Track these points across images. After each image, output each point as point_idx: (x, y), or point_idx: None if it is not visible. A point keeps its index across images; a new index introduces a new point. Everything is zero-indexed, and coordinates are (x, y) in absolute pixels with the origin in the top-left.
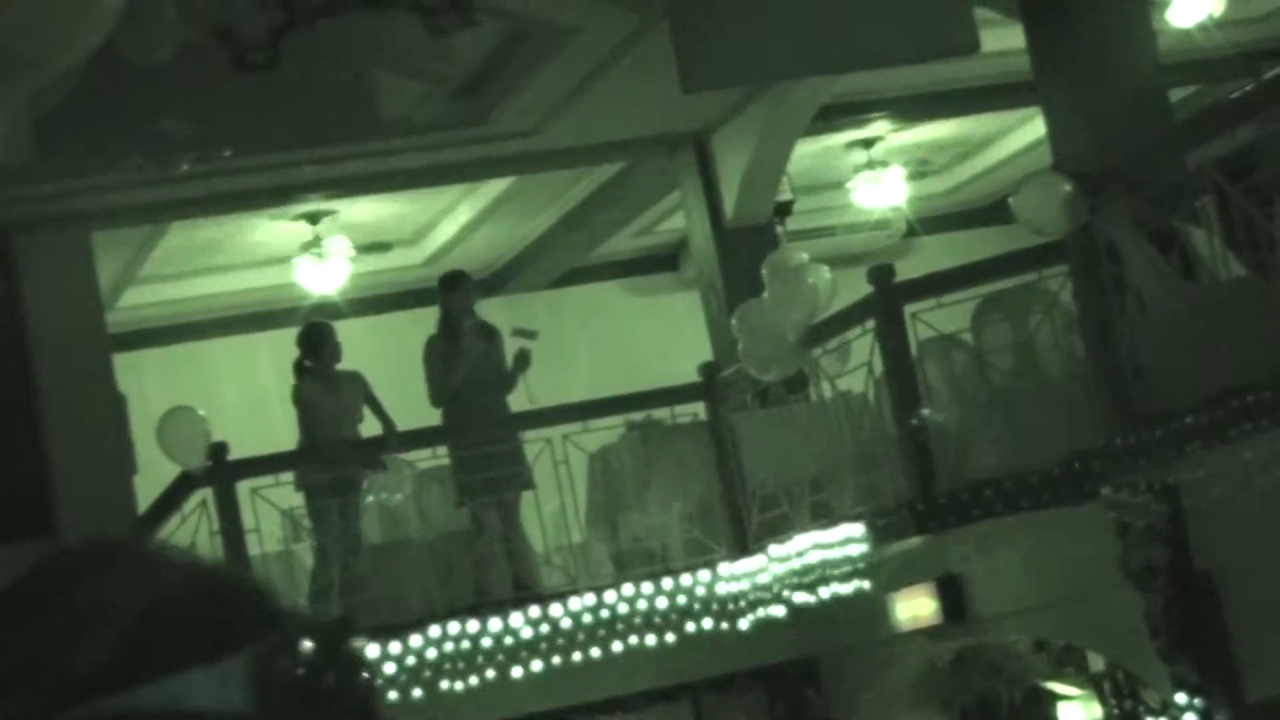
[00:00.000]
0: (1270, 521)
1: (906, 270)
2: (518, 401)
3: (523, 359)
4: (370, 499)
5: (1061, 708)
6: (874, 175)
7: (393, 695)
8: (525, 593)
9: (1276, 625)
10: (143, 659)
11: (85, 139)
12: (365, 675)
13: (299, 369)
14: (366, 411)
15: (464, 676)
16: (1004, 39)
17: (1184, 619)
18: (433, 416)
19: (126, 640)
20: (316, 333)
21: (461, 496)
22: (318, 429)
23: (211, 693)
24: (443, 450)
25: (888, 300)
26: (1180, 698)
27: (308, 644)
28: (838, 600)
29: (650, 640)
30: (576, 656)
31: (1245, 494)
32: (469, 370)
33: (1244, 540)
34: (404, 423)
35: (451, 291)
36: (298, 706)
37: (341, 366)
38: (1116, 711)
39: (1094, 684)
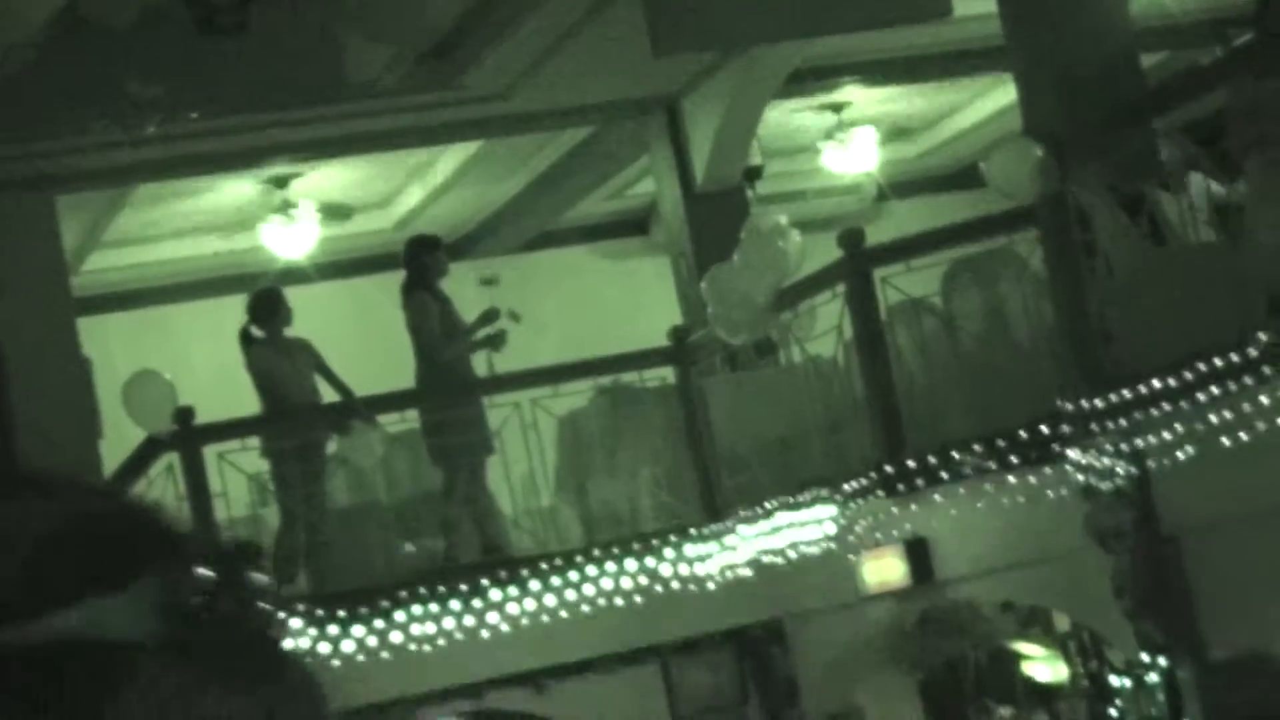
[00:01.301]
0: (1235, 484)
1: (876, 235)
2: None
3: (499, 338)
4: (334, 463)
5: (1027, 667)
6: (844, 140)
7: (360, 659)
8: (494, 556)
9: (1240, 586)
10: (46, 587)
11: (49, 102)
12: (263, 604)
13: (246, 338)
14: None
15: (432, 640)
16: (975, 3)
17: (1149, 580)
18: (400, 380)
19: (28, 569)
20: (269, 299)
21: (435, 458)
22: (281, 395)
23: (118, 620)
24: (410, 414)
25: (857, 264)
26: (1145, 657)
27: (205, 571)
28: (805, 562)
29: (619, 603)
30: (545, 619)
31: (1211, 457)
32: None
33: (1209, 503)
34: (372, 387)
35: (433, 252)
36: (196, 634)
37: (290, 334)
38: (1082, 671)
39: (1060, 644)
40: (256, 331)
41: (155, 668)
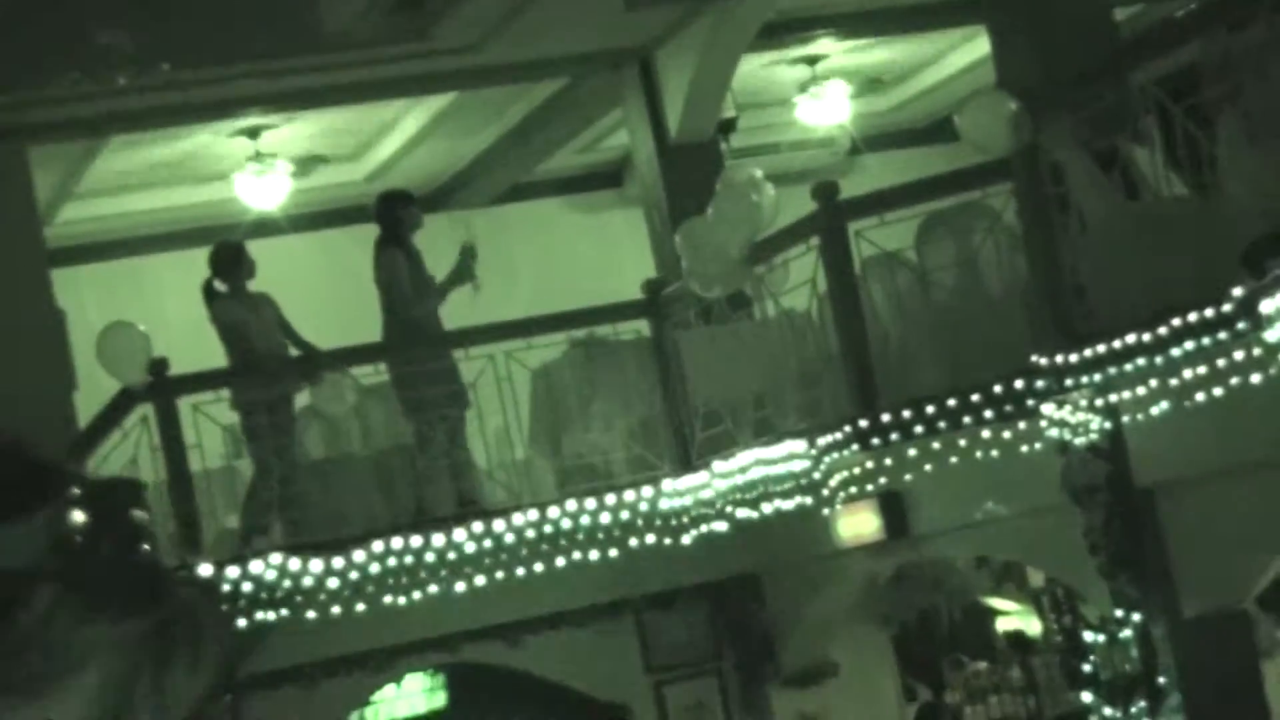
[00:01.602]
0: (1210, 439)
1: (850, 188)
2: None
3: (464, 270)
4: (308, 415)
5: (1001, 623)
6: (818, 93)
7: (335, 610)
8: (469, 508)
9: (1214, 542)
10: None
11: (21, 52)
12: (144, 545)
13: (210, 292)
14: None
15: (406, 591)
16: None
17: (1123, 536)
18: (373, 333)
19: None
20: (232, 252)
21: (407, 412)
22: (247, 347)
23: (11, 552)
24: (384, 366)
25: (831, 218)
26: (1119, 613)
27: (86, 509)
28: (780, 516)
29: (593, 556)
30: (519, 572)
31: (1185, 412)
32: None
33: (1184, 458)
34: (343, 338)
35: (406, 207)
36: (85, 565)
37: (253, 288)
38: (1055, 627)
39: (1033, 600)
40: (220, 285)
41: (48, 595)
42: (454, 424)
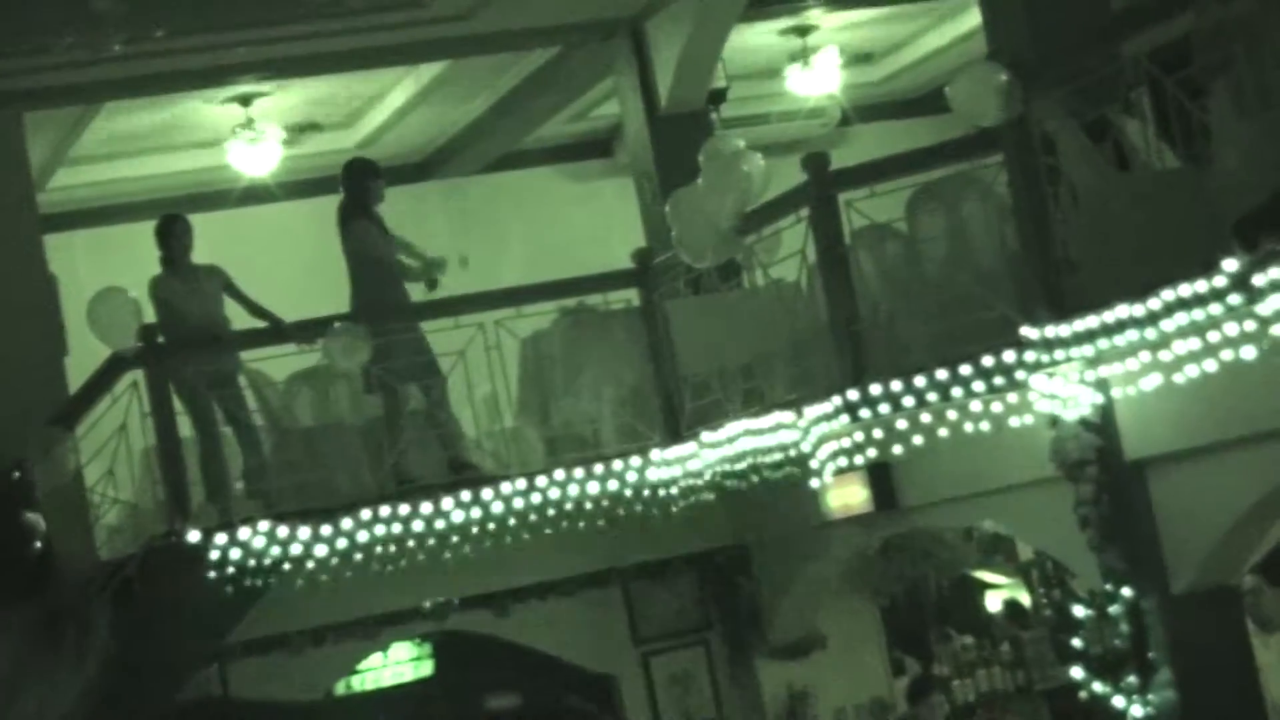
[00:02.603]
0: (1201, 413)
1: (841, 158)
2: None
3: (435, 282)
4: (293, 382)
5: (990, 596)
6: (808, 63)
7: (323, 577)
8: (458, 476)
9: (1203, 517)
10: None
11: (15, 19)
12: (35, 543)
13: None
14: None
15: (395, 560)
16: None
17: (1113, 510)
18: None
19: None
20: (160, 227)
21: (378, 384)
22: (178, 322)
23: None
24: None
25: (821, 188)
26: (1108, 587)
27: None
28: (769, 487)
29: (581, 525)
30: (507, 541)
31: (1177, 386)
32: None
33: (1175, 432)
34: (336, 305)
35: (375, 178)
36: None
37: (200, 261)
38: (1044, 600)
39: (1022, 573)
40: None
41: None
42: (435, 393)
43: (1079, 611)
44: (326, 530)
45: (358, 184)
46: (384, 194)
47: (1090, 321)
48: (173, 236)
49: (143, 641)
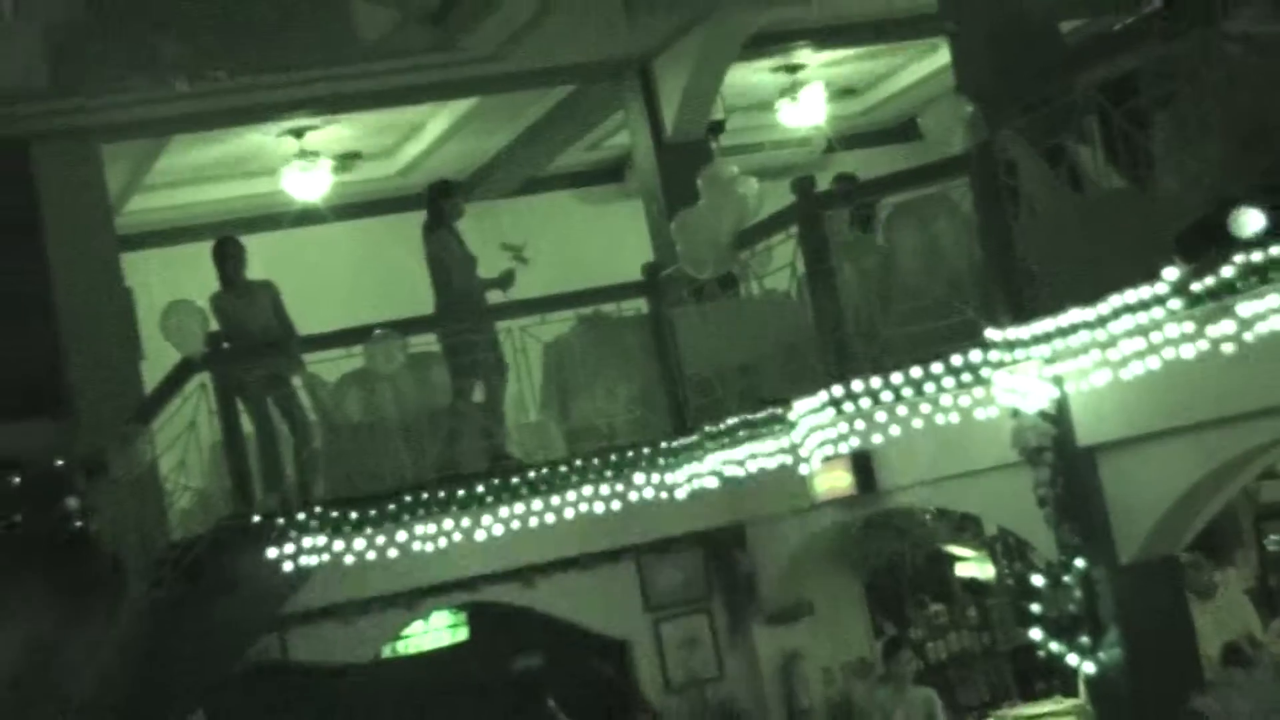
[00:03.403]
0: (1145, 405)
1: (826, 182)
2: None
3: (507, 281)
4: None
5: (959, 567)
6: (797, 97)
7: (370, 556)
8: (496, 465)
9: (1147, 496)
10: None
11: (95, 62)
12: (75, 522)
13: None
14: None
15: (433, 538)
16: None
17: (1067, 490)
18: (398, 308)
19: None
20: (218, 248)
21: (454, 375)
22: (239, 334)
23: None
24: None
25: (809, 208)
26: (1063, 559)
27: (22, 488)
28: (763, 473)
29: (598, 508)
30: (533, 522)
31: (1123, 381)
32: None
33: (1121, 421)
34: (378, 315)
35: (449, 196)
36: (19, 540)
37: (258, 276)
38: (1007, 571)
39: (988, 547)
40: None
41: None
42: (495, 390)
43: (1037, 580)
44: (372, 513)
45: (435, 202)
46: (462, 209)
47: (1047, 324)
48: (227, 257)
49: (210, 611)
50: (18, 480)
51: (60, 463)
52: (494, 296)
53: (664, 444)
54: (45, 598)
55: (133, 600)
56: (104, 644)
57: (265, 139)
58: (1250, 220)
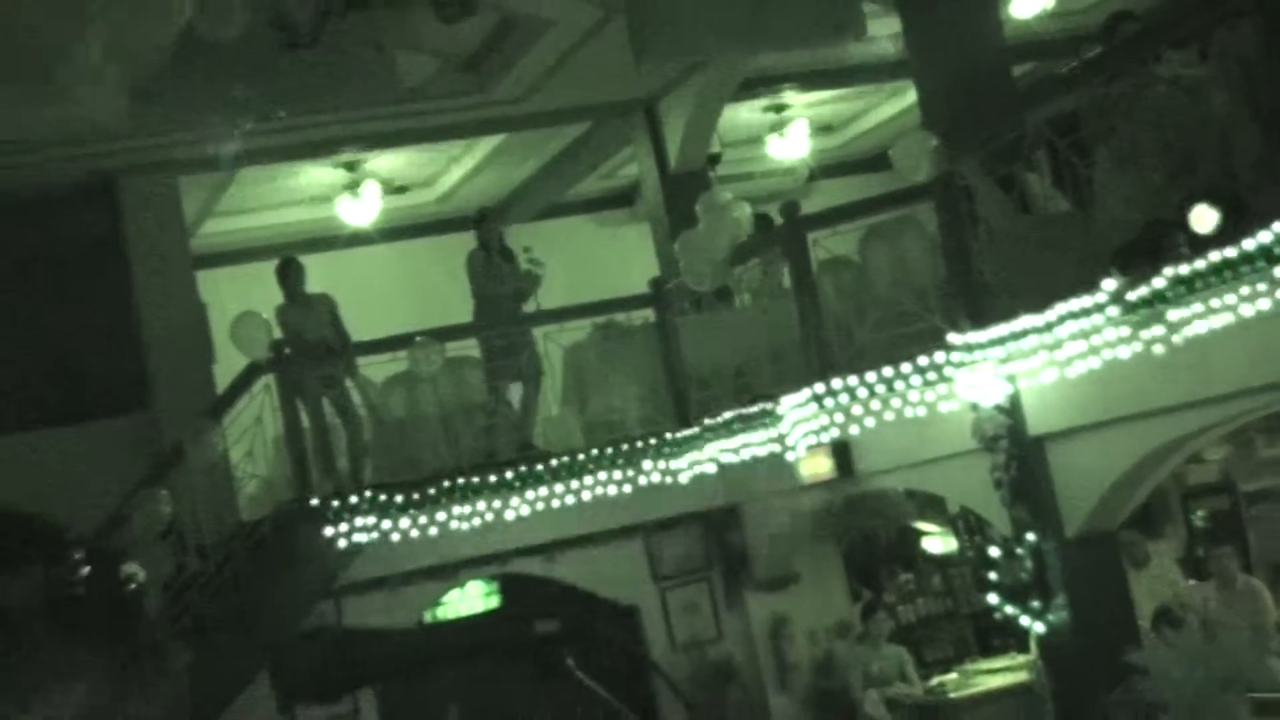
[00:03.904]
0: (1086, 400)
1: (809, 206)
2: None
3: (533, 285)
4: (390, 383)
5: (926, 541)
6: (783, 133)
7: (414, 534)
8: (527, 454)
9: (1089, 479)
10: None
11: (173, 105)
12: (132, 587)
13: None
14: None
15: (469, 519)
16: (884, 26)
17: (1020, 474)
18: (439, 318)
19: None
20: (278, 269)
21: (489, 376)
22: (299, 342)
23: (14, 593)
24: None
25: (794, 229)
26: (1016, 534)
27: (85, 565)
28: (755, 460)
29: (611, 491)
30: (555, 504)
31: (1067, 378)
32: (499, 283)
33: (1066, 414)
34: (422, 323)
35: (479, 223)
36: (78, 608)
37: (315, 290)
38: (968, 544)
39: (951, 523)
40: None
41: (41, 627)
42: (532, 391)
43: (994, 552)
44: (415, 497)
45: (474, 228)
46: (494, 231)
47: (1001, 329)
48: (288, 274)
49: (274, 582)
50: (79, 555)
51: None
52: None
53: (668, 435)
54: (101, 661)
55: (174, 662)
56: (154, 706)
57: (321, 171)
58: (1204, 217)
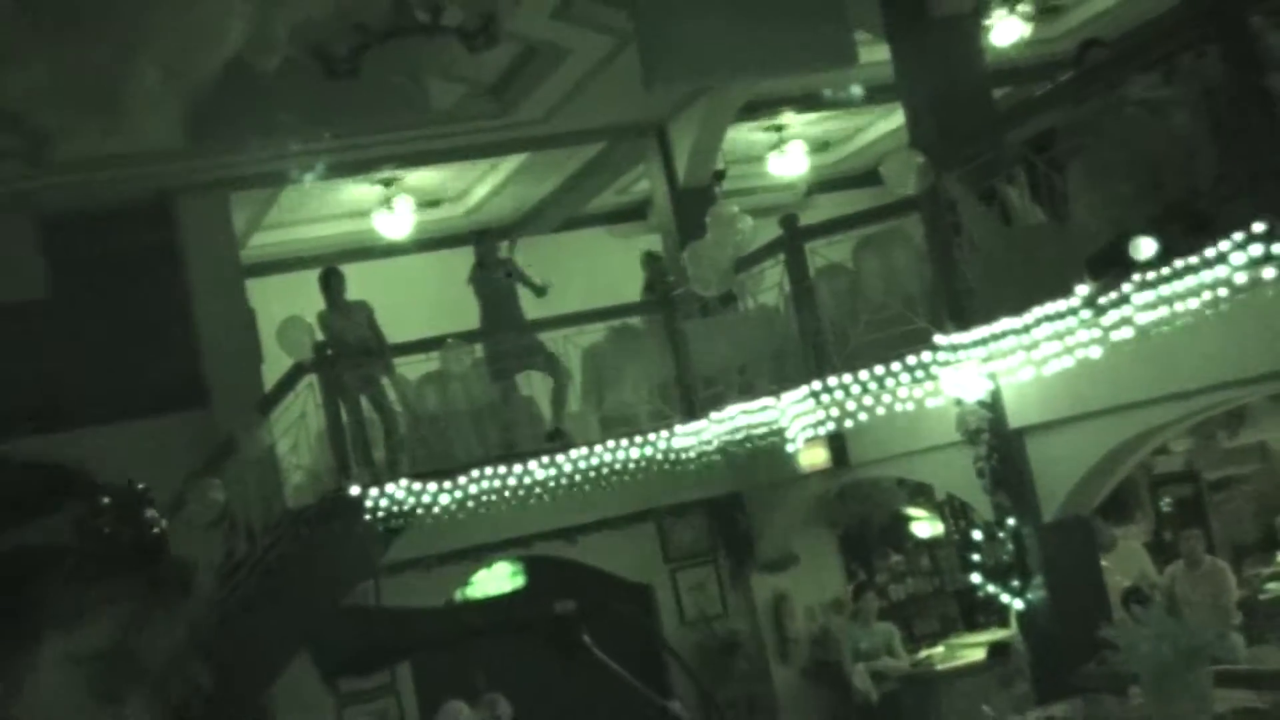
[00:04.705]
0: (1062, 396)
1: (807, 218)
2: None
3: (542, 291)
4: (424, 381)
5: (914, 525)
6: (783, 151)
7: (445, 518)
8: (550, 444)
9: (1064, 468)
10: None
11: (224, 128)
12: (156, 530)
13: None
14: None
15: (495, 505)
16: (875, 54)
17: (1001, 464)
18: (468, 321)
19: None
20: (321, 278)
21: (493, 376)
22: (341, 343)
23: (50, 533)
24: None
25: (793, 240)
26: (997, 518)
27: (111, 505)
28: (757, 451)
29: (626, 479)
30: (575, 490)
31: (1044, 376)
32: (498, 292)
33: (1043, 409)
34: (452, 327)
35: (477, 241)
36: (106, 547)
37: (354, 298)
38: (953, 528)
39: (938, 509)
40: (326, 298)
41: (73, 562)
42: (562, 389)
43: (977, 536)
44: (447, 485)
45: (478, 243)
46: (489, 248)
47: (983, 331)
48: (330, 282)
49: (317, 564)
50: (107, 500)
51: (141, 485)
52: (533, 304)
53: (678, 428)
54: (129, 591)
55: (201, 590)
56: (177, 626)
57: (360, 187)
58: (1145, 246)
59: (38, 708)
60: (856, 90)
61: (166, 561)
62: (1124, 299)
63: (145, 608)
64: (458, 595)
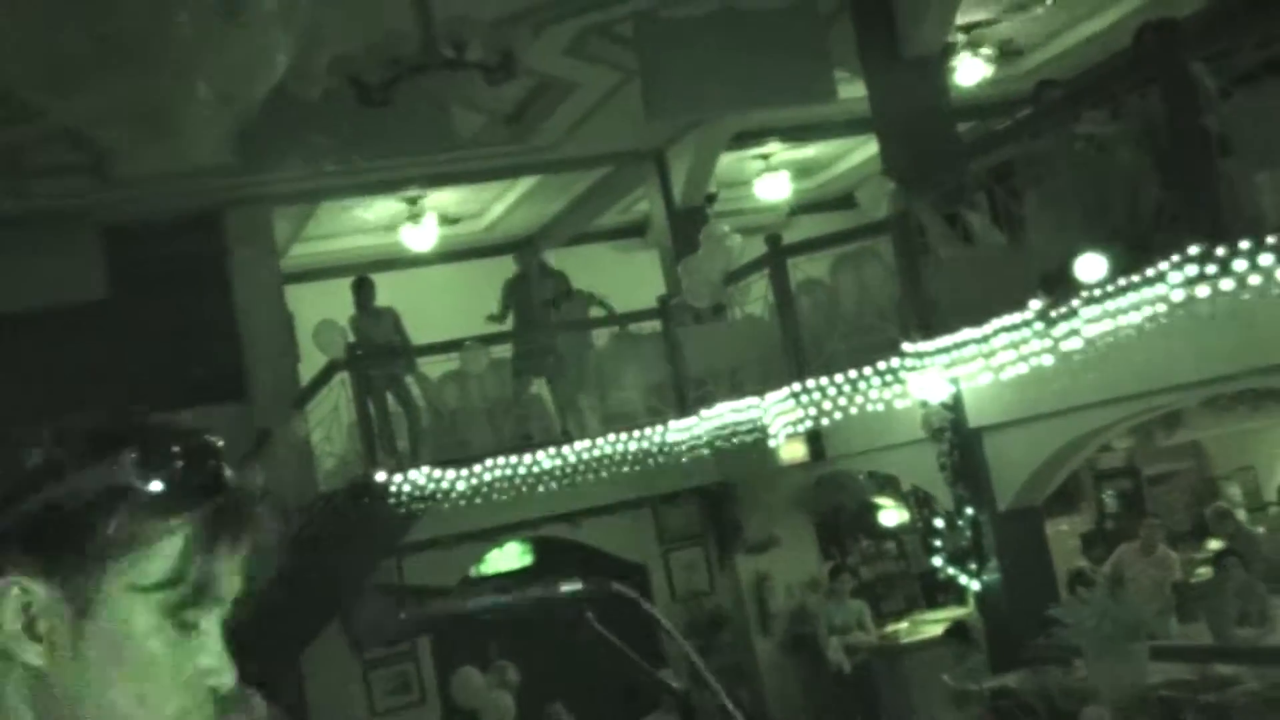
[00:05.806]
0: (1016, 399)
1: (790, 237)
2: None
3: (559, 302)
4: (444, 379)
5: (883, 513)
6: (769, 177)
7: (461, 503)
8: (560, 438)
9: (1017, 464)
10: (73, 460)
11: (268, 149)
12: (217, 465)
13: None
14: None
15: (507, 492)
16: (852, 90)
17: (961, 459)
18: (486, 328)
19: (50, 453)
20: (354, 286)
21: (516, 373)
22: (368, 346)
23: (107, 477)
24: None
25: (777, 256)
26: (957, 508)
27: (176, 449)
28: (744, 445)
29: (625, 469)
30: (578, 479)
31: (1001, 381)
32: (531, 301)
33: (999, 410)
34: (470, 330)
35: (522, 254)
36: (174, 487)
37: (378, 305)
38: (918, 516)
39: (904, 499)
40: (357, 303)
41: (138, 498)
42: (566, 391)
43: (939, 523)
44: (463, 472)
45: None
46: (523, 260)
47: (946, 340)
48: (361, 289)
49: (346, 543)
50: (176, 447)
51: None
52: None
53: (673, 424)
54: (188, 522)
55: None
56: (240, 553)
57: (389, 204)
58: (1092, 266)
59: (115, 635)
60: (835, 122)
61: (227, 491)
62: (1073, 313)
63: (208, 537)
64: (472, 572)
